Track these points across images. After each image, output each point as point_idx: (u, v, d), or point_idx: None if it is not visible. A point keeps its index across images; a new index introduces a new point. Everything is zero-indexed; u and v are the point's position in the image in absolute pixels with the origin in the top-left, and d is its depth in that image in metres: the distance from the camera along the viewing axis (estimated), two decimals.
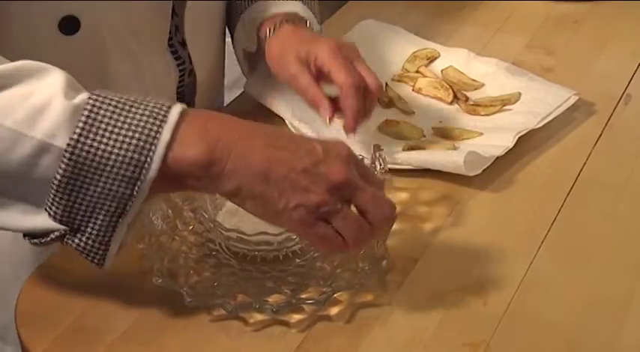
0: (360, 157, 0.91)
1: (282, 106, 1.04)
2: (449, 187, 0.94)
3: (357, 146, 0.97)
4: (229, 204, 0.86)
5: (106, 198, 0.69)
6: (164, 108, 0.69)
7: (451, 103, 1.07)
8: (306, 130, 1.00)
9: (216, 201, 0.86)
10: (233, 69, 1.12)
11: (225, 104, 1.15)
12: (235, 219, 0.85)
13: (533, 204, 0.92)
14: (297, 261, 0.83)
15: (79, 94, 0.70)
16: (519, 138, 0.98)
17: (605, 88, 1.11)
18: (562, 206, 0.92)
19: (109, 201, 0.69)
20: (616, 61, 1.18)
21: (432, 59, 1.15)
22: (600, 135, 1.03)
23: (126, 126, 0.68)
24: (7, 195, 0.70)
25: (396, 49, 1.17)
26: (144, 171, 0.68)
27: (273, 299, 0.79)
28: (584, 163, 0.99)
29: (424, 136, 1.02)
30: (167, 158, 0.68)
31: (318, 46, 0.92)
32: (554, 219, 0.90)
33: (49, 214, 0.70)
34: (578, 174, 0.97)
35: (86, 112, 0.68)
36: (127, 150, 0.67)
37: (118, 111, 0.68)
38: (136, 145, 0.67)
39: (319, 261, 0.83)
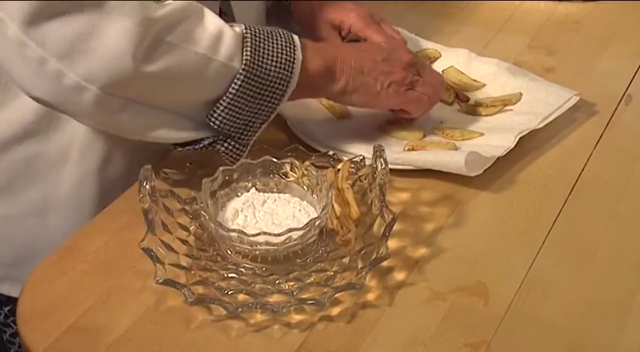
0: (361, 157, 0.92)
1: (284, 106, 1.03)
2: (450, 187, 0.94)
3: (358, 146, 0.97)
4: (231, 205, 0.87)
5: (264, 109, 0.87)
6: (287, 33, 0.88)
7: (452, 104, 1.07)
8: (308, 131, 1.00)
9: (218, 201, 0.86)
10: None
11: None
12: (237, 219, 0.85)
13: (534, 205, 0.92)
14: (298, 261, 0.83)
15: (234, 25, 0.86)
16: (520, 138, 0.98)
17: (607, 89, 1.11)
18: (563, 206, 0.92)
19: (264, 111, 0.88)
20: (617, 62, 1.18)
21: (433, 59, 1.15)
22: (601, 136, 1.03)
23: (275, 49, 0.86)
24: (175, 113, 0.86)
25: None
26: (289, 84, 0.87)
27: (274, 299, 0.79)
28: (585, 164, 0.99)
29: (425, 136, 1.01)
30: (302, 70, 0.88)
31: (349, 15, 1.08)
32: (555, 219, 0.90)
33: (213, 124, 0.86)
34: (579, 175, 0.97)
35: (249, 40, 0.85)
36: (279, 68, 0.86)
37: (264, 37, 0.86)
38: (285, 63, 0.86)
39: (320, 261, 0.83)
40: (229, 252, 0.84)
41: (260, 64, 0.85)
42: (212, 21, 0.84)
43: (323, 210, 0.83)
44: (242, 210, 0.86)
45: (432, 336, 0.77)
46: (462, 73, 1.12)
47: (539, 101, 1.05)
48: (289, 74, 0.86)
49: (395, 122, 1.03)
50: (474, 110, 1.06)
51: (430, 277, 0.83)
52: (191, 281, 0.80)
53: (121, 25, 0.77)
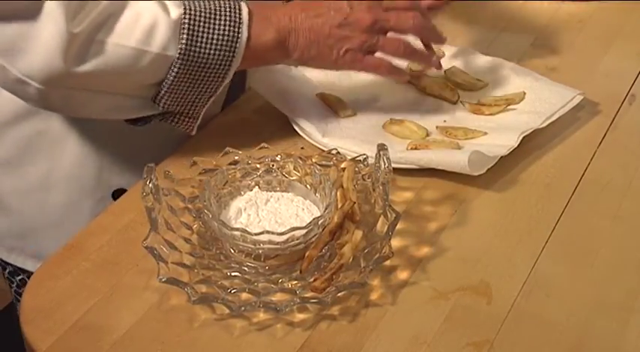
0: (364, 156, 0.92)
1: (286, 103, 1.04)
2: (453, 187, 0.94)
3: (361, 144, 0.97)
4: (234, 204, 0.87)
5: (206, 89, 0.90)
6: (236, 10, 0.88)
7: (456, 103, 1.07)
8: (311, 129, 1.00)
9: (221, 200, 0.86)
10: None
11: None
12: (240, 218, 0.85)
13: (538, 204, 0.92)
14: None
15: (170, 8, 0.86)
16: (524, 137, 0.98)
17: (610, 88, 1.11)
18: (566, 206, 0.92)
19: (207, 90, 0.90)
20: (621, 61, 1.17)
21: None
22: (605, 135, 1.03)
23: (215, 30, 0.86)
24: (122, 95, 0.89)
25: None
26: (232, 62, 0.88)
27: (277, 298, 0.79)
28: (589, 163, 0.98)
29: (428, 135, 1.01)
30: (248, 47, 0.88)
31: None
32: (559, 218, 0.90)
33: (158, 104, 0.90)
34: (583, 174, 0.97)
35: (185, 26, 0.85)
36: (219, 50, 0.87)
37: (204, 20, 0.86)
38: (226, 45, 0.87)
39: (323, 259, 0.83)
40: (232, 251, 0.84)
41: (197, 49, 0.86)
42: (146, 12, 0.85)
43: (326, 208, 0.83)
44: (245, 209, 0.86)
45: (435, 335, 0.77)
46: (466, 72, 1.12)
47: (543, 100, 1.05)
48: (231, 55, 0.87)
49: (398, 121, 1.03)
50: (477, 109, 1.06)
51: (433, 276, 0.83)
52: (194, 279, 0.80)
53: (52, 28, 0.81)
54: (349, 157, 0.93)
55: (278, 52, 0.91)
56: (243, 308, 0.78)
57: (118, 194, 1.02)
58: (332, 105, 1.05)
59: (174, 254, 0.82)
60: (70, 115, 0.97)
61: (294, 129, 1.01)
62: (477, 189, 0.94)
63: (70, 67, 0.83)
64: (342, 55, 0.92)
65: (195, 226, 0.87)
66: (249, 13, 0.89)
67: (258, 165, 0.89)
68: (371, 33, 0.92)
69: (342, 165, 0.91)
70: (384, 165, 0.84)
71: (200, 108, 0.92)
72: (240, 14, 0.88)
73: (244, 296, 0.79)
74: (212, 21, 0.86)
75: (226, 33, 0.87)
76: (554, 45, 1.21)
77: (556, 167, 0.98)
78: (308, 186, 0.88)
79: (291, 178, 0.89)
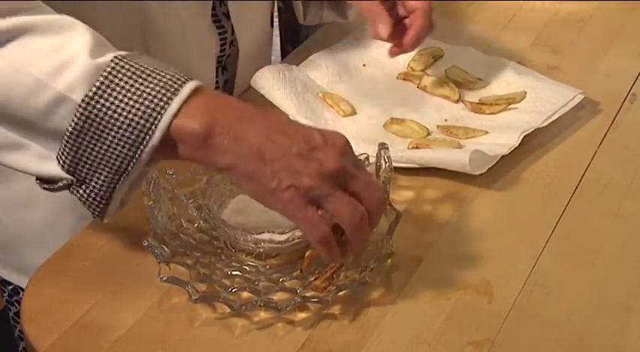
0: (365, 156, 0.92)
1: (288, 102, 1.04)
2: (454, 186, 0.94)
3: (362, 144, 0.97)
4: (235, 202, 0.87)
5: (111, 156, 0.72)
6: (179, 81, 0.71)
7: (457, 102, 1.07)
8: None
9: (222, 199, 0.86)
10: None
11: None
12: (240, 217, 0.85)
13: (539, 203, 0.92)
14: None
15: (106, 53, 0.72)
16: (524, 137, 0.98)
17: (611, 87, 1.11)
18: (567, 205, 0.92)
19: (112, 159, 0.72)
20: (622, 60, 1.17)
21: (437, 58, 1.15)
22: (605, 135, 1.03)
23: (139, 92, 0.70)
24: (26, 138, 0.74)
25: None
26: (147, 137, 0.70)
27: (277, 297, 0.79)
28: (590, 162, 0.98)
29: (429, 134, 1.01)
30: (171, 126, 0.71)
31: None
32: (559, 218, 0.90)
33: (59, 163, 0.73)
34: (584, 174, 0.97)
35: (105, 73, 0.71)
36: (135, 114, 0.70)
37: (135, 77, 0.71)
38: (144, 112, 0.70)
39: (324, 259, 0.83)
40: (233, 250, 0.84)
41: (105, 103, 0.70)
42: (71, 45, 0.72)
43: None
44: (246, 208, 0.86)
45: (436, 334, 0.77)
46: (466, 71, 1.12)
47: (544, 100, 1.05)
48: (148, 125, 0.70)
49: (399, 120, 1.03)
50: (478, 108, 1.06)
51: (434, 275, 0.83)
52: (195, 278, 0.80)
53: None
54: None
55: (200, 146, 0.71)
56: (244, 307, 0.78)
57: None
58: (333, 104, 1.05)
59: (175, 253, 0.82)
60: None
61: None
62: (478, 189, 0.94)
63: None
64: (283, 187, 0.71)
65: (196, 225, 0.87)
66: (195, 92, 0.71)
67: None
68: (329, 182, 0.71)
69: None
70: (385, 164, 0.84)
71: (109, 187, 0.73)
72: (181, 86, 0.71)
73: (245, 295, 0.79)
74: (142, 79, 0.71)
75: (151, 99, 0.70)
76: (555, 44, 1.21)
77: (557, 166, 0.98)
78: None
79: None
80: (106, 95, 0.70)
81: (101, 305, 0.80)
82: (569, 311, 0.79)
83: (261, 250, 0.82)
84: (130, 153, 0.71)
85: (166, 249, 0.81)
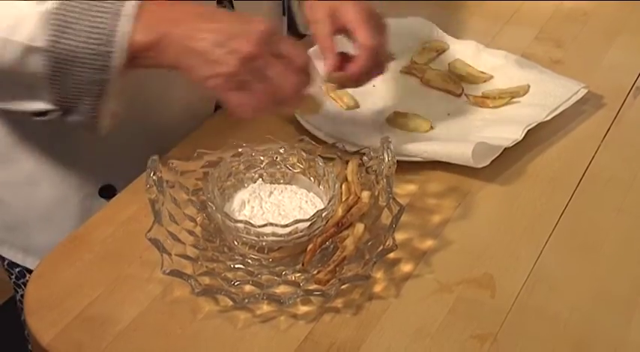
0: (368, 149, 0.91)
1: None
2: (457, 179, 0.94)
3: (365, 137, 0.97)
4: (237, 196, 0.87)
5: (87, 83, 0.81)
6: (117, 5, 0.79)
7: (460, 95, 1.07)
8: (315, 122, 1.00)
9: (225, 193, 0.86)
10: None
11: None
12: (243, 210, 0.85)
13: (542, 197, 0.92)
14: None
15: (47, 1, 0.80)
16: (528, 130, 0.98)
17: (614, 81, 1.11)
18: (570, 199, 0.92)
19: (89, 85, 0.81)
20: (625, 54, 1.17)
21: (440, 51, 1.15)
22: (609, 129, 1.03)
23: (91, 24, 0.79)
24: (10, 88, 0.83)
25: (410, 34, 1.16)
26: (112, 59, 0.79)
27: (280, 290, 0.79)
28: (593, 156, 0.98)
29: (432, 128, 1.01)
30: (126, 46, 0.79)
31: (349, 7, 0.94)
32: (562, 212, 0.90)
33: (45, 101, 0.82)
34: (587, 168, 0.97)
35: (55, 17, 0.79)
36: (93, 43, 0.79)
37: (81, 11, 0.79)
38: (100, 39, 0.79)
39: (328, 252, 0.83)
40: (236, 243, 0.84)
41: (65, 42, 0.79)
42: (18, 2, 0.80)
43: (330, 201, 0.83)
44: (249, 201, 0.86)
45: (439, 328, 0.77)
46: (470, 65, 1.12)
47: (547, 93, 1.05)
48: (109, 48, 0.79)
49: (402, 113, 1.03)
50: (481, 102, 1.06)
51: (437, 269, 0.83)
52: (198, 271, 0.81)
53: None
54: (353, 150, 0.93)
55: (150, 53, 0.81)
56: (246, 300, 0.78)
57: (105, 190, 1.02)
58: (336, 98, 1.05)
59: (178, 246, 0.82)
60: None
61: (298, 122, 1.01)
62: (481, 182, 0.94)
63: None
64: (212, 75, 0.80)
65: (198, 218, 0.87)
66: (137, 8, 0.80)
67: (262, 158, 0.89)
68: (245, 68, 0.79)
69: (346, 158, 0.91)
70: (388, 157, 0.84)
71: (95, 108, 0.83)
72: (120, 7, 0.79)
73: (248, 288, 0.79)
74: (88, 13, 0.79)
75: (103, 26, 0.79)
76: (559, 38, 1.21)
77: (560, 160, 0.98)
78: (312, 178, 0.88)
79: (295, 171, 0.89)
80: (65, 36, 0.79)
81: (104, 298, 0.80)
82: (572, 305, 0.79)
83: (263, 243, 0.82)
84: (103, 77, 0.80)
85: (169, 242, 0.82)
